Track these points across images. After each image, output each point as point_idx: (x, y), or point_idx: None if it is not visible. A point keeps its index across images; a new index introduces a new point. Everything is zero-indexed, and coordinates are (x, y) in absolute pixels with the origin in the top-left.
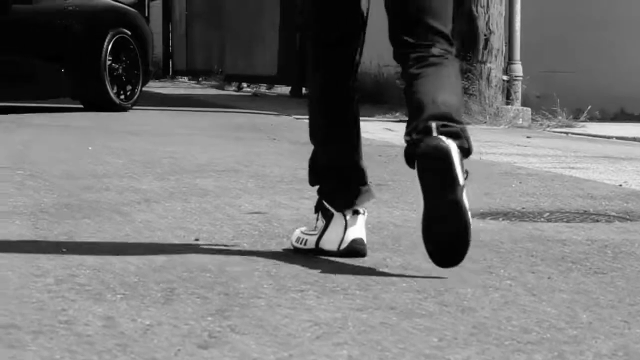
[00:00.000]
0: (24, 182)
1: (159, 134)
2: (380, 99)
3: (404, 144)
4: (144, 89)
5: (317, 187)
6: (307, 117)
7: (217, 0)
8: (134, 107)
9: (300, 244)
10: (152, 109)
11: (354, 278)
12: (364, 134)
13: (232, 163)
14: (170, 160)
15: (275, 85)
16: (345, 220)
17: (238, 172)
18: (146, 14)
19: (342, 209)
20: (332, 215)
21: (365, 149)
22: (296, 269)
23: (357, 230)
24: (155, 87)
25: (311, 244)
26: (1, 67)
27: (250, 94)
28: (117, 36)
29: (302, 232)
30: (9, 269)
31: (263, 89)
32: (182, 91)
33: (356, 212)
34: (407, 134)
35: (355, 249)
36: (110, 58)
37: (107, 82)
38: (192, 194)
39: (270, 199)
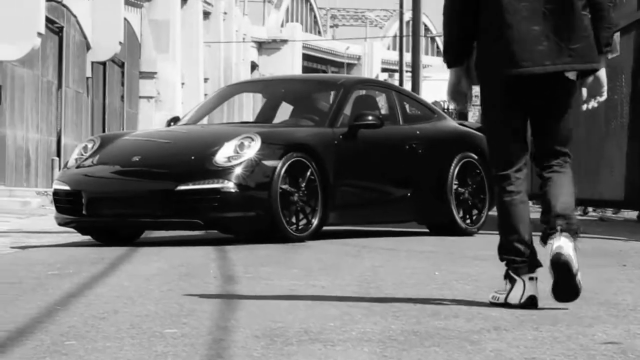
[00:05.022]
0: (372, 307)
1: None
2: None
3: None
4: (489, 212)
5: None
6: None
7: None
8: (480, 232)
9: (495, 300)
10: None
11: None
12: None
13: (584, 290)
14: None
15: (622, 210)
16: (524, 284)
17: (589, 300)
18: None
19: (522, 275)
20: (515, 280)
21: None
22: None
23: (532, 290)
24: None
25: (501, 300)
26: (351, 191)
27: (596, 218)
28: (464, 160)
29: (496, 292)
30: None
31: (609, 213)
32: None
33: (532, 278)
34: (542, 222)
35: (532, 303)
36: (457, 182)
37: (453, 207)
38: (543, 322)
39: (624, 329)
